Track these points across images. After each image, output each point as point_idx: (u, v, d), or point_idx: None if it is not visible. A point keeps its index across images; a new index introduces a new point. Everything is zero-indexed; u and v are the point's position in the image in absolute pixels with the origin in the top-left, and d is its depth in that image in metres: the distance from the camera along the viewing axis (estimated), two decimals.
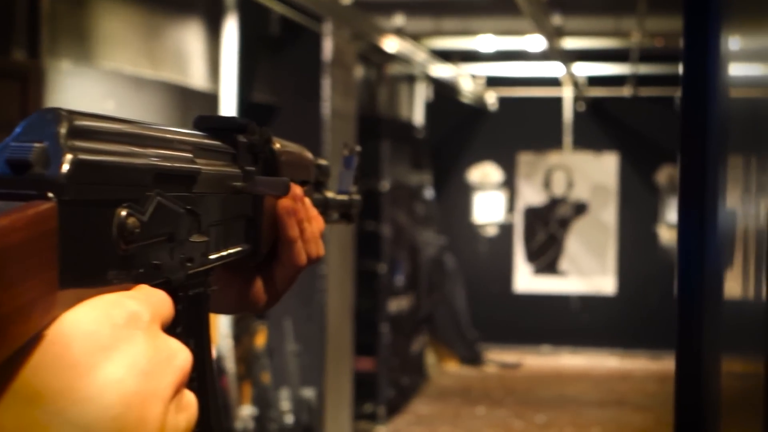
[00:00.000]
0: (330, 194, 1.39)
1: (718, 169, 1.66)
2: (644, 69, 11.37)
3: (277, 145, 1.15)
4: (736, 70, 1.64)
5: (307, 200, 1.20)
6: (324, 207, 1.35)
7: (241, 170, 1.04)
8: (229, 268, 1.12)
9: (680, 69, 1.73)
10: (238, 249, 1.06)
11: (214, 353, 6.49)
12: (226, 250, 1.02)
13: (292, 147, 1.21)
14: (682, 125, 1.68)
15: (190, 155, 0.90)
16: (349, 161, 1.44)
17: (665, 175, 12.89)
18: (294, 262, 1.17)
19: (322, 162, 1.35)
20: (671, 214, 12.70)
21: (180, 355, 0.73)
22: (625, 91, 12.58)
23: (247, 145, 1.07)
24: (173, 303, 0.78)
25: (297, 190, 1.17)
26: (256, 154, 1.09)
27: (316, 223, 1.21)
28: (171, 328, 0.77)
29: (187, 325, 0.90)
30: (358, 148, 1.44)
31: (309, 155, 1.28)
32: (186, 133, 0.93)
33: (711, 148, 1.67)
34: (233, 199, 1.03)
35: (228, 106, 6.48)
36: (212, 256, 0.97)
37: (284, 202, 1.15)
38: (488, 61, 11.54)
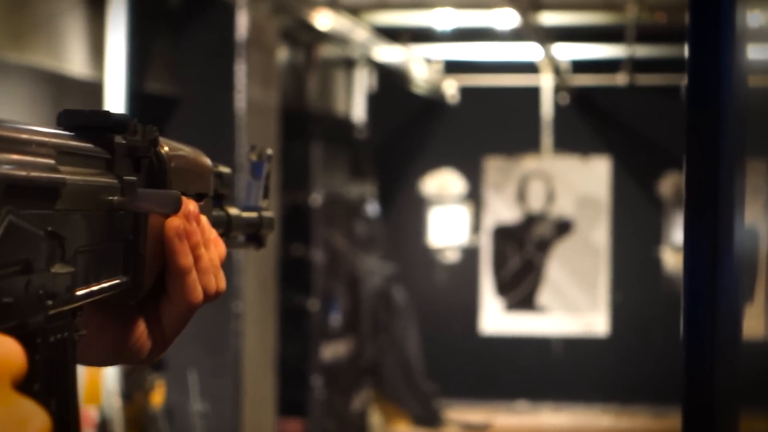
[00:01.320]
0: (234, 211, 1.39)
1: (734, 176, 1.67)
2: (642, 51, 11.47)
3: (165, 149, 1.14)
4: (755, 52, 1.65)
5: (204, 219, 1.20)
6: (226, 227, 1.35)
7: (119, 180, 1.04)
8: (103, 306, 1.11)
9: (686, 51, 1.74)
10: (114, 282, 1.06)
11: (96, 415, 6.40)
12: (99, 283, 1.02)
13: (185, 151, 1.21)
14: (689, 121, 1.69)
15: (52, 161, 0.90)
16: (258, 169, 1.44)
17: (670, 184, 13.01)
18: (186, 299, 1.16)
19: (223, 170, 1.36)
20: (678, 233, 12.81)
21: (36, 421, 0.73)
22: (619, 79, 12.69)
23: (126, 149, 1.06)
24: (29, 352, 0.77)
25: (190, 206, 1.16)
26: (137, 159, 1.09)
27: (215, 248, 1.21)
28: (26, 385, 0.77)
29: (48, 381, 0.89)
30: (269, 152, 1.44)
31: (206, 161, 1.28)
32: (47, 133, 0.93)
33: (725, 150, 1.67)
34: (108, 218, 1.03)
35: (115, 98, 6.45)
36: (80, 292, 0.96)
37: (174, 222, 1.15)
38: (447, 42, 11.58)
